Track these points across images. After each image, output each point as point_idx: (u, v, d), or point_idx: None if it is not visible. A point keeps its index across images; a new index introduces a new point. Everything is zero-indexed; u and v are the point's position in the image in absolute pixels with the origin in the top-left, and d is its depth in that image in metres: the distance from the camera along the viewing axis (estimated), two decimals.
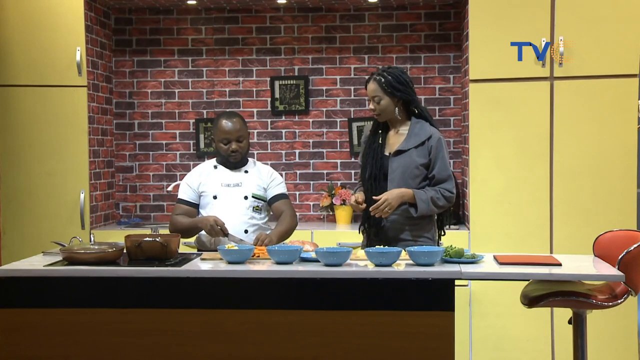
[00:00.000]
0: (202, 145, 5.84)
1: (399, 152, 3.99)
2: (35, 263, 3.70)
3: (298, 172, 5.84)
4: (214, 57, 5.88)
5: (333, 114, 5.82)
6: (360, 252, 3.71)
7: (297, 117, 5.84)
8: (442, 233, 4.18)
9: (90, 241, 3.87)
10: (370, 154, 4.07)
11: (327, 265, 3.49)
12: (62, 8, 5.23)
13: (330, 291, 3.43)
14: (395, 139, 4.05)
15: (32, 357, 3.52)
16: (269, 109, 5.85)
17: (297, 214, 5.80)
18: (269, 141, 5.86)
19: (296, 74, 5.83)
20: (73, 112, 5.28)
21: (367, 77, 5.71)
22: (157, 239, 3.64)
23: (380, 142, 4.06)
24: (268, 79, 5.84)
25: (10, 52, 5.25)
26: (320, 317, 3.41)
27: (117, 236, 4.87)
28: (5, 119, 5.27)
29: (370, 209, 3.91)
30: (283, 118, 5.85)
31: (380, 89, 3.98)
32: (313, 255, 3.62)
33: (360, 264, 3.57)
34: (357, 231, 4.24)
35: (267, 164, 5.81)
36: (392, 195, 3.89)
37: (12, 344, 3.53)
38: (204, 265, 3.60)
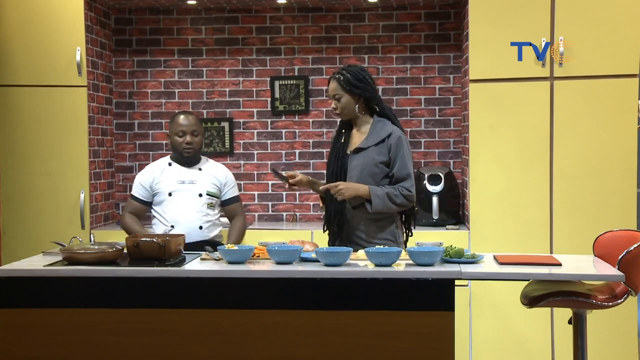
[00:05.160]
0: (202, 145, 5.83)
1: (358, 150, 4.03)
2: (35, 263, 3.69)
3: (298, 172, 5.82)
4: (214, 57, 5.88)
5: (333, 114, 5.81)
6: (360, 252, 3.72)
7: (297, 117, 5.84)
8: (410, 234, 4.16)
9: (90, 241, 3.87)
10: (333, 152, 4.14)
11: (327, 265, 3.49)
12: (62, 8, 5.23)
13: (330, 291, 3.43)
14: (358, 138, 4.09)
15: (32, 357, 3.52)
16: (269, 109, 5.85)
17: (297, 213, 5.82)
18: (269, 141, 5.86)
19: (296, 74, 5.83)
20: (73, 112, 5.28)
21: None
22: (155, 239, 3.64)
23: (343, 140, 4.11)
24: (268, 79, 5.84)
25: (10, 52, 5.25)
26: (320, 317, 3.41)
27: (117, 236, 4.86)
28: (5, 119, 5.27)
29: (321, 187, 4.01)
30: (283, 118, 5.85)
31: (339, 86, 4.02)
32: (313, 255, 3.62)
33: (360, 264, 3.57)
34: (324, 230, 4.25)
35: (267, 163, 5.83)
36: (347, 185, 3.94)
37: (12, 344, 3.53)
38: (204, 265, 3.60)
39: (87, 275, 3.52)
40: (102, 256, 3.61)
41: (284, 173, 4.10)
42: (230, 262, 3.58)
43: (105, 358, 3.50)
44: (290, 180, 4.06)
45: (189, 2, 5.63)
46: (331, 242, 4.11)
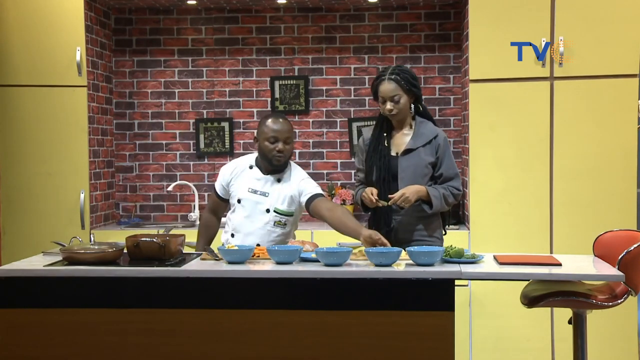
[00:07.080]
0: (202, 145, 5.84)
1: (407, 151, 4.01)
2: (35, 263, 3.69)
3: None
4: (214, 57, 5.88)
5: (333, 114, 5.82)
6: (361, 252, 3.71)
7: (297, 117, 5.84)
8: (444, 232, 4.20)
9: (90, 241, 3.87)
10: (376, 156, 4.06)
11: (327, 265, 3.48)
12: (62, 8, 5.23)
13: (330, 291, 3.43)
14: (401, 139, 4.06)
15: (32, 357, 3.52)
16: (269, 109, 5.85)
17: None
18: None
19: (296, 74, 5.83)
20: (73, 112, 5.28)
21: (367, 77, 5.75)
22: (155, 239, 3.63)
23: (385, 143, 4.06)
24: (268, 79, 5.84)
25: (10, 52, 5.25)
26: (320, 317, 3.41)
27: (117, 236, 4.87)
28: (5, 119, 5.28)
29: (390, 202, 3.92)
30: None
31: (399, 87, 3.97)
32: (313, 255, 3.62)
33: (360, 264, 3.57)
34: None
35: None
36: (409, 190, 3.91)
37: (12, 344, 3.53)
38: (204, 265, 3.60)
39: (87, 275, 3.52)
40: (102, 256, 3.61)
41: (380, 203, 3.96)
42: (230, 262, 3.57)
43: (105, 358, 3.50)
44: (390, 202, 3.93)
45: (189, 2, 5.63)
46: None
